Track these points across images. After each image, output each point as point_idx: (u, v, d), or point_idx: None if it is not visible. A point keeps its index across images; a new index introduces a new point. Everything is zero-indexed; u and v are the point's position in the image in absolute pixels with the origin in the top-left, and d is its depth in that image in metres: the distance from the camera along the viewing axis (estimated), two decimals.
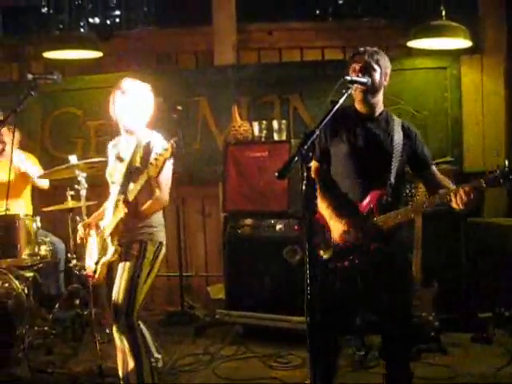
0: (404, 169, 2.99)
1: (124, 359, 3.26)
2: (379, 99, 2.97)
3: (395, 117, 3.05)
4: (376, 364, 3.75)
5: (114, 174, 3.35)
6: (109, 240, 3.24)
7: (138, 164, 3.21)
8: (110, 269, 3.33)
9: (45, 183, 4.78)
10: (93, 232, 3.41)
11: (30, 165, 4.74)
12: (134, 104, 3.26)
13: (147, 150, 3.20)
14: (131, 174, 3.21)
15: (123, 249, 3.24)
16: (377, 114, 2.98)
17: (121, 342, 3.24)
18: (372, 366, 3.81)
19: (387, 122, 2.99)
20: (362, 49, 2.92)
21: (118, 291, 3.20)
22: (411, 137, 2.99)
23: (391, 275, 2.97)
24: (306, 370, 3.90)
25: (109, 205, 3.38)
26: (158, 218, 3.35)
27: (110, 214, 3.29)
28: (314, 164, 3.00)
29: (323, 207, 2.97)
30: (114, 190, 3.34)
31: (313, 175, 2.99)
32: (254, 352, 4.26)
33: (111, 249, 3.23)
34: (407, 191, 4.27)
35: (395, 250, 2.96)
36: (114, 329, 3.24)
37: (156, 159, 2.93)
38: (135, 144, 3.28)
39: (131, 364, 3.22)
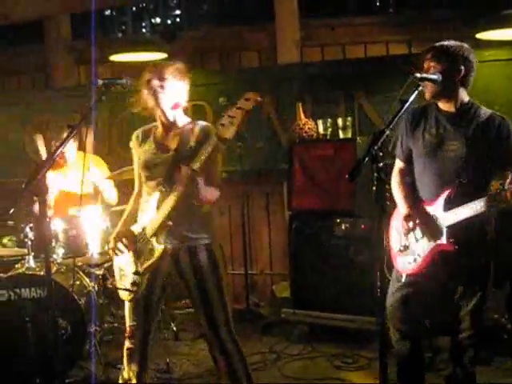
0: (486, 166, 2.91)
1: (229, 375, 2.99)
2: (460, 94, 2.91)
3: (484, 109, 2.96)
4: (445, 367, 3.65)
5: (155, 167, 2.94)
6: (153, 240, 2.85)
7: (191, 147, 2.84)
8: (153, 277, 2.95)
9: (114, 199, 4.71)
10: (125, 243, 2.95)
11: (108, 186, 4.66)
12: (174, 93, 2.91)
13: (204, 135, 2.83)
14: (178, 162, 2.80)
15: (187, 255, 2.92)
16: (457, 108, 2.92)
17: (224, 359, 2.98)
18: (441, 369, 3.71)
19: (468, 117, 2.92)
20: (446, 41, 2.89)
21: (212, 311, 2.94)
22: (493, 131, 2.88)
23: (467, 276, 2.96)
24: (371, 370, 3.87)
25: (145, 205, 2.97)
26: (214, 218, 3.06)
27: (151, 212, 2.88)
28: (398, 164, 3.10)
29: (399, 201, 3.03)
30: (153, 186, 2.93)
31: (397, 175, 3.10)
32: (320, 351, 4.24)
33: (159, 247, 2.83)
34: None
35: (470, 251, 2.90)
36: (216, 348, 2.97)
37: (231, 116, 2.54)
38: (182, 132, 2.94)
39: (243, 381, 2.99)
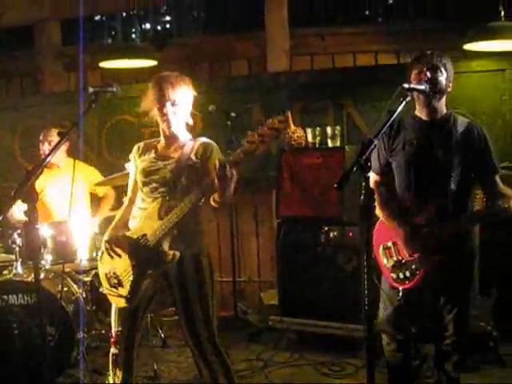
0: (469, 175, 2.94)
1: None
2: (442, 104, 2.94)
3: (461, 118, 2.99)
4: (431, 374, 3.67)
5: (153, 173, 2.94)
6: (161, 247, 2.82)
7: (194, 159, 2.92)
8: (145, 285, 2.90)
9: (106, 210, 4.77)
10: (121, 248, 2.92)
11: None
12: (184, 105, 2.95)
13: (205, 151, 2.95)
14: (182, 170, 2.89)
15: (176, 266, 2.86)
16: (438, 118, 2.94)
17: (208, 371, 2.96)
18: (428, 377, 3.72)
19: (449, 126, 2.94)
20: (429, 51, 2.89)
21: (195, 326, 2.90)
22: (474, 141, 2.92)
23: (454, 286, 2.98)
24: (359, 378, 3.87)
25: (139, 212, 2.96)
26: (204, 231, 3.02)
27: (152, 220, 2.84)
28: (373, 177, 3.05)
29: (385, 219, 3.00)
30: (148, 192, 2.93)
31: (374, 189, 3.05)
32: (308, 359, 4.24)
33: (169, 254, 2.80)
34: None
35: (460, 261, 2.93)
36: (200, 360, 2.95)
37: (262, 135, 2.58)
38: (185, 145, 2.97)
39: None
